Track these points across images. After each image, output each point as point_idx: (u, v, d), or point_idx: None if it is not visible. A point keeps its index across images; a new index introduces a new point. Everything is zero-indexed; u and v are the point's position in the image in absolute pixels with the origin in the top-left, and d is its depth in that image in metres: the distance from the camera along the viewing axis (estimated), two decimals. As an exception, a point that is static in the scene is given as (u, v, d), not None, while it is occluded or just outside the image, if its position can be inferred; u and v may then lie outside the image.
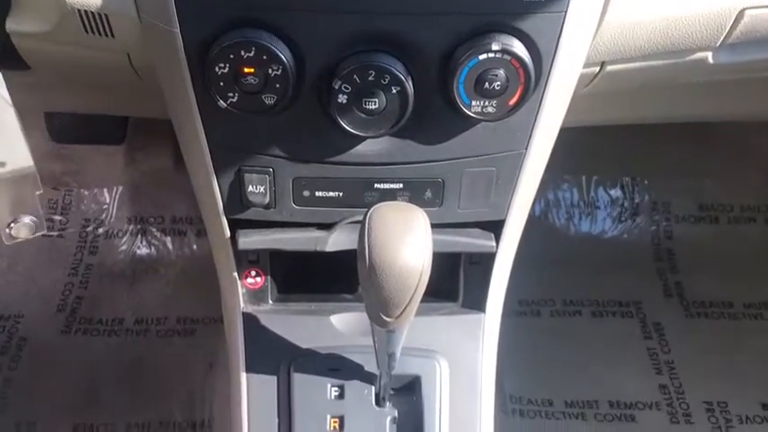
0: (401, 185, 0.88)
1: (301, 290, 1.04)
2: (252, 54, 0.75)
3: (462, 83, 0.77)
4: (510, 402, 1.68)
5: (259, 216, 0.91)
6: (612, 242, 2.02)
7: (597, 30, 0.83)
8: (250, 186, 0.88)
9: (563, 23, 0.76)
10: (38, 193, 0.79)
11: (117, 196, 2.03)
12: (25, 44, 0.91)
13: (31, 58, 0.94)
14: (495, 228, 0.95)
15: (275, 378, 0.95)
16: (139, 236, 1.99)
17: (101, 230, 2.00)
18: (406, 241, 0.71)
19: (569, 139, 1.11)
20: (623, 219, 2.04)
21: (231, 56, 0.75)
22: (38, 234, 0.80)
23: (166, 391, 1.67)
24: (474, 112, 0.79)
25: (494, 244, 0.95)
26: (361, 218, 0.74)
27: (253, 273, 1.01)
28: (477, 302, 1.02)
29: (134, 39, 0.84)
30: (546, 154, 0.90)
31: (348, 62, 0.76)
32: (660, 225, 2.03)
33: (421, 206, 0.76)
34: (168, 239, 1.98)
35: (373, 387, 0.93)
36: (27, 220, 0.80)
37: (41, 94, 1.25)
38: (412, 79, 0.77)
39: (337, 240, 0.92)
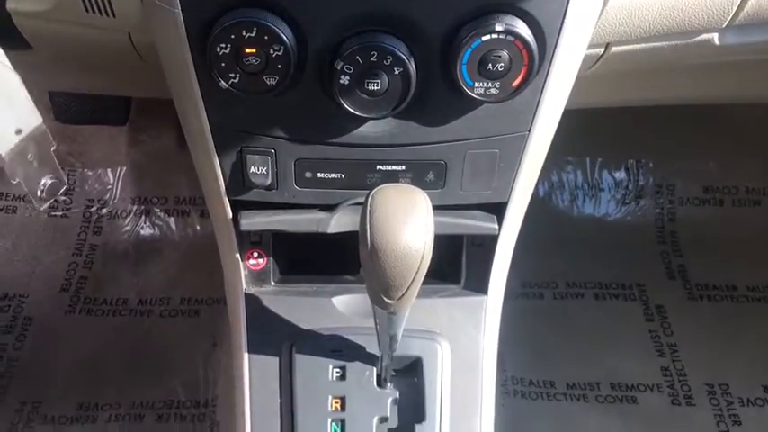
0: (403, 167, 0.88)
1: (303, 271, 1.04)
2: (253, 34, 0.74)
3: (465, 64, 0.76)
4: (512, 384, 1.68)
5: (261, 197, 0.91)
6: (616, 225, 2.02)
7: (602, 10, 0.82)
8: (252, 167, 0.87)
9: (567, 4, 0.76)
10: (53, 148, 0.79)
11: (121, 177, 2.03)
12: (26, 23, 0.91)
13: (32, 37, 0.94)
14: (498, 210, 0.95)
15: (277, 359, 0.95)
16: (143, 216, 1.99)
17: (104, 211, 2.00)
18: (408, 223, 0.70)
19: (574, 121, 1.11)
20: (627, 201, 2.04)
21: (232, 36, 0.74)
22: (62, 192, 0.81)
23: (170, 371, 1.68)
24: (477, 94, 0.78)
25: (496, 226, 0.95)
26: (363, 199, 0.73)
27: (255, 254, 1.01)
28: (479, 285, 1.02)
29: (135, 18, 0.84)
30: (549, 136, 0.90)
31: (350, 43, 0.75)
32: (664, 208, 2.03)
33: (423, 188, 0.76)
34: (172, 220, 1.99)
35: (375, 368, 0.94)
36: (49, 180, 0.80)
37: (43, 74, 1.24)
38: (414, 60, 0.77)
39: (339, 222, 0.92)
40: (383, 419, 0.92)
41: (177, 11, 0.75)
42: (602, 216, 2.03)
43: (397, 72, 0.76)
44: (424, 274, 0.73)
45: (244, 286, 1.01)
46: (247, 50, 0.75)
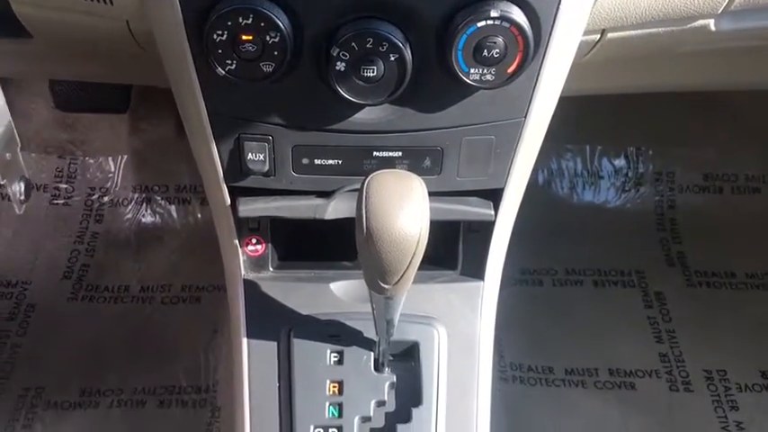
0: (400, 153, 0.88)
1: (302, 257, 1.05)
2: (250, 21, 0.74)
3: (461, 50, 0.76)
4: (510, 370, 1.70)
5: (259, 184, 0.92)
6: (616, 212, 2.03)
7: (597, -4, 0.82)
8: (249, 154, 0.88)
9: (562, -10, 0.76)
10: (18, 147, 0.79)
11: (122, 165, 2.03)
12: (24, 11, 0.91)
13: (30, 25, 0.94)
14: (494, 196, 0.95)
15: (276, 344, 0.96)
16: (144, 204, 2.00)
17: (106, 199, 2.01)
18: (404, 208, 0.71)
19: (573, 108, 1.11)
20: (627, 188, 2.04)
21: (229, 23, 0.75)
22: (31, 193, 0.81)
23: (172, 357, 1.70)
24: (472, 80, 0.78)
25: (492, 212, 0.95)
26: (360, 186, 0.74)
27: (253, 240, 1.02)
28: (475, 270, 1.03)
29: (133, 6, 0.84)
30: (545, 122, 0.90)
31: (346, 29, 0.76)
32: (664, 195, 2.03)
33: (420, 174, 0.76)
34: (173, 208, 2.00)
35: (372, 353, 0.94)
36: (23, 183, 0.80)
37: (44, 63, 1.25)
38: (410, 47, 0.77)
39: (337, 208, 0.93)
40: (380, 403, 0.93)
41: (174, -2, 0.76)
42: (601, 203, 2.03)
43: (392, 58, 0.77)
44: (420, 259, 0.74)
45: (242, 272, 1.02)
46: (244, 37, 0.75)
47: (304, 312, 0.98)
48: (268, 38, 0.75)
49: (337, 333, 0.96)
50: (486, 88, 0.80)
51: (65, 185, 2.02)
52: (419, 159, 0.89)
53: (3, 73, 1.30)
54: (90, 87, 1.87)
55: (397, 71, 0.78)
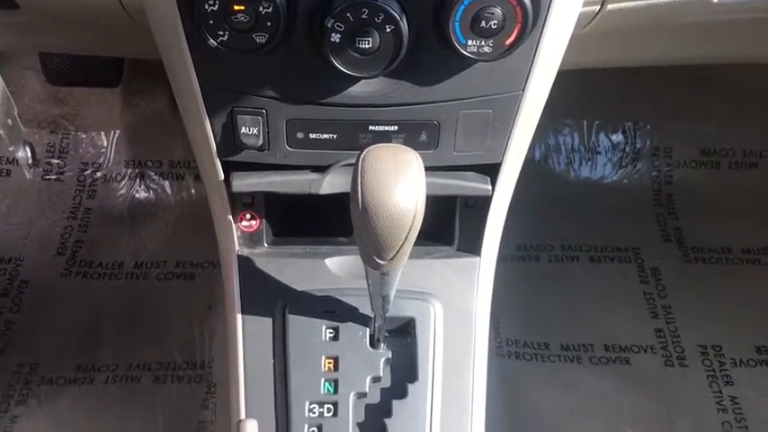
0: (396, 127, 0.87)
1: (296, 233, 1.04)
2: None
3: (458, 21, 0.75)
4: (506, 345, 1.70)
5: (253, 158, 0.90)
6: (612, 187, 2.02)
7: (598, -34, 0.81)
8: (243, 128, 0.86)
9: (562, -40, 0.74)
10: (15, 112, 0.78)
11: (114, 140, 2.01)
12: (11, -19, 0.89)
13: (17, -5, 0.92)
14: (491, 171, 0.94)
15: (270, 320, 0.95)
16: (138, 180, 1.98)
17: (99, 174, 1.99)
18: (399, 183, 0.70)
19: (571, 82, 1.10)
20: (624, 164, 2.03)
21: None
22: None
23: (166, 334, 1.69)
24: (470, 52, 0.77)
25: (489, 188, 0.94)
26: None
27: (248, 216, 1.01)
28: (472, 246, 1.02)
29: (122, -24, 0.82)
30: (543, 96, 0.89)
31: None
32: (661, 170, 2.02)
33: (416, 149, 0.75)
34: (167, 183, 1.98)
35: (368, 329, 0.94)
36: (27, 147, 0.79)
37: (33, 35, 1.22)
38: (406, 17, 0.76)
39: (332, 183, 0.92)
40: (376, 379, 0.92)
41: (164, -33, 0.74)
42: (598, 179, 2.03)
43: (388, 30, 0.75)
44: (416, 234, 0.73)
45: (237, 248, 1.01)
46: (236, 7, 0.74)
47: (299, 288, 0.97)
48: (261, 8, 0.74)
49: (333, 309, 0.95)
50: (483, 61, 0.79)
51: (57, 161, 2.00)
52: (415, 134, 0.87)
53: (-9, 45, 1.28)
54: (81, 61, 1.84)
55: (392, 43, 0.76)
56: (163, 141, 2.01)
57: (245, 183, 0.93)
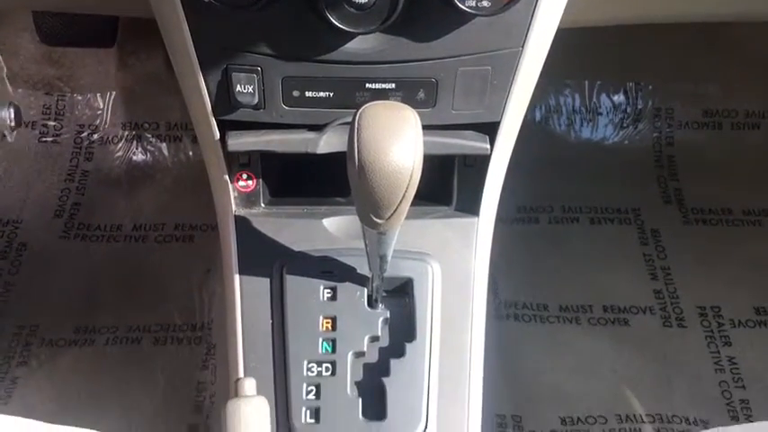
0: (393, 85, 0.86)
1: (293, 193, 1.03)
2: None
3: (456, -26, 0.73)
4: (505, 307, 1.70)
5: (248, 117, 0.89)
6: (613, 149, 2.01)
7: None
8: (238, 86, 0.85)
9: None
10: (4, 73, 0.77)
11: (110, 102, 2.00)
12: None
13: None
14: (490, 130, 0.93)
15: (268, 280, 0.95)
16: (134, 142, 1.97)
17: (95, 136, 1.98)
18: (397, 140, 0.69)
19: (573, 41, 1.08)
20: (625, 125, 2.02)
21: None
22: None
23: (166, 296, 1.70)
24: (468, 7, 0.76)
25: (488, 146, 0.93)
26: None
27: (244, 176, 1.00)
28: (470, 206, 1.01)
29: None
30: (543, 53, 0.88)
31: (336, -49, 0.73)
32: (662, 131, 2.00)
33: (414, 107, 0.74)
34: (164, 146, 1.97)
35: (365, 289, 0.94)
36: (12, 108, 0.78)
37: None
38: None
39: (328, 142, 0.91)
40: (374, 339, 0.92)
41: None
42: (599, 140, 2.01)
43: (385, -17, 0.74)
44: (414, 192, 0.72)
45: (233, 208, 1.00)
46: (228, -40, 0.72)
47: (296, 249, 0.97)
48: (254, -39, 0.72)
49: (330, 269, 0.95)
50: (482, 15, 0.77)
51: (53, 123, 1.98)
52: (413, 91, 0.86)
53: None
54: (75, 20, 1.81)
55: None
56: (159, 103, 1.99)
57: (241, 142, 0.92)
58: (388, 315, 0.93)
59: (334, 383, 0.90)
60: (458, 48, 0.83)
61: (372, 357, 0.92)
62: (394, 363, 0.91)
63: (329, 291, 0.94)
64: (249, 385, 0.75)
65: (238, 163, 0.99)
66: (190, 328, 1.64)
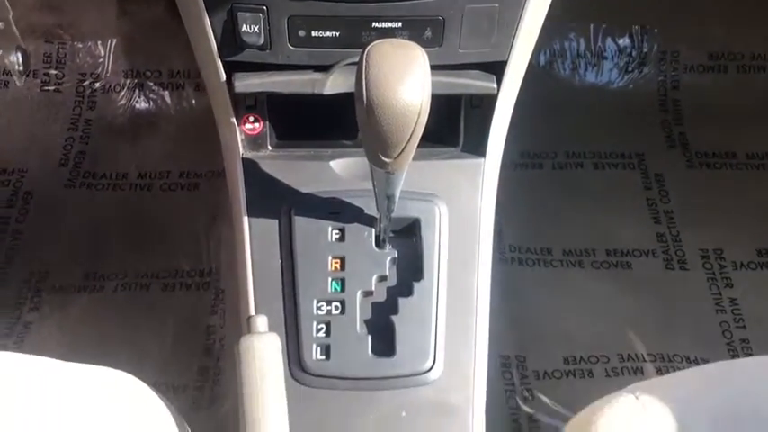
0: (400, 24, 0.85)
1: (301, 136, 1.04)
2: None
3: None
4: (509, 251, 1.71)
5: (254, 58, 0.89)
6: (618, 93, 1.99)
7: None
8: (243, 26, 0.85)
9: None
10: (11, 16, 0.77)
11: (112, 49, 1.98)
12: None
13: None
14: (497, 69, 0.93)
15: (276, 222, 0.96)
16: (137, 90, 1.96)
17: (98, 85, 1.97)
18: (405, 78, 0.69)
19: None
20: (630, 69, 2.00)
21: None
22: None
23: (173, 243, 1.71)
24: (476, -58, 0.75)
25: (495, 86, 0.93)
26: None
27: (251, 118, 1.00)
28: (477, 147, 1.01)
29: None
30: (551, -10, 0.87)
31: None
32: (668, 75, 1.99)
33: (421, 46, 0.74)
34: (166, 94, 1.96)
35: (373, 229, 0.95)
36: (20, 52, 0.78)
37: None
38: None
39: (335, 83, 0.90)
40: (382, 278, 0.94)
41: None
42: (604, 85, 2.00)
43: None
44: (422, 132, 0.72)
45: (241, 151, 1.01)
46: None
47: (304, 191, 0.98)
48: None
49: (338, 210, 0.96)
50: (490, -49, 0.76)
51: (54, 71, 1.97)
52: (420, 30, 0.86)
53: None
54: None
55: None
56: (161, 51, 1.97)
57: (248, 83, 0.92)
58: (396, 255, 0.95)
59: (343, 321, 0.92)
60: None
61: (381, 296, 0.94)
62: (402, 301, 0.93)
63: (337, 231, 0.95)
64: (261, 322, 0.76)
65: (245, 105, 0.99)
66: (198, 274, 1.66)
